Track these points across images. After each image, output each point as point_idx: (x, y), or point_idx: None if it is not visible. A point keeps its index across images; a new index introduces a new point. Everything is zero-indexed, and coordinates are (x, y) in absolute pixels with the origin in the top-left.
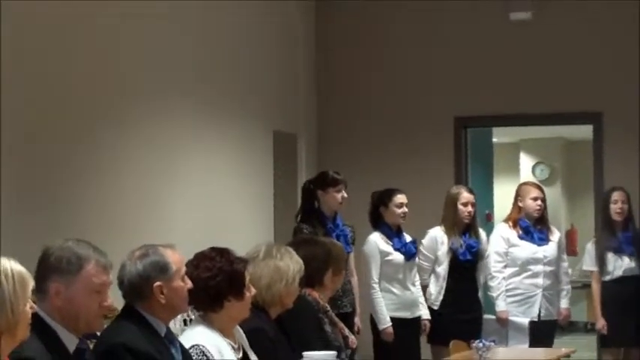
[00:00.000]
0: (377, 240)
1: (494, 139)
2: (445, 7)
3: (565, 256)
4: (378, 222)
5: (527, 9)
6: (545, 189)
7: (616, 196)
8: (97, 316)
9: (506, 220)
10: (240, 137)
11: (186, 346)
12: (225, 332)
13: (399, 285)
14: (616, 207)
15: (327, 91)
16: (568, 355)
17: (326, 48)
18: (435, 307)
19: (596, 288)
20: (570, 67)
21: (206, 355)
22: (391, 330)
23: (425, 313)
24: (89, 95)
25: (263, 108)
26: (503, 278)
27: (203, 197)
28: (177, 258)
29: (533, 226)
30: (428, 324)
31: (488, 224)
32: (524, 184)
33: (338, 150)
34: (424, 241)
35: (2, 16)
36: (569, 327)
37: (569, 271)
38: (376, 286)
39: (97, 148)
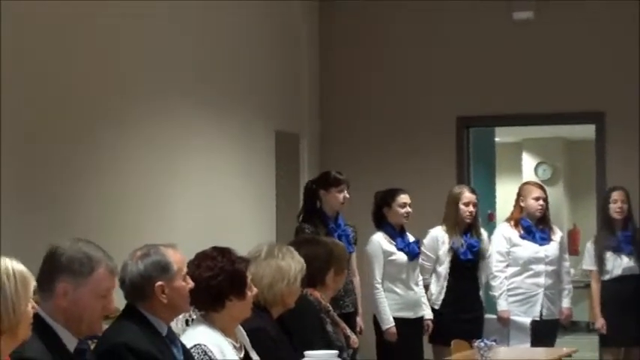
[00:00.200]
0: (380, 240)
1: (497, 139)
2: (447, 7)
3: (567, 256)
4: (381, 222)
5: (529, 9)
6: (547, 189)
7: (615, 195)
8: (100, 319)
9: (508, 220)
10: (242, 137)
11: (188, 345)
12: (227, 332)
13: (402, 285)
14: (615, 206)
15: (329, 91)
16: (570, 355)
17: (328, 48)
18: (437, 307)
19: (595, 287)
20: (573, 67)
21: (208, 355)
22: (394, 330)
23: (428, 313)
24: (89, 95)
25: (265, 108)
26: (505, 278)
27: (204, 197)
28: (178, 258)
29: (535, 226)
30: (430, 324)
31: (491, 224)
32: (526, 183)
33: (340, 150)
34: (425, 241)
35: (2, 16)
36: (571, 327)
37: (572, 270)
38: (379, 286)
39: (97, 148)
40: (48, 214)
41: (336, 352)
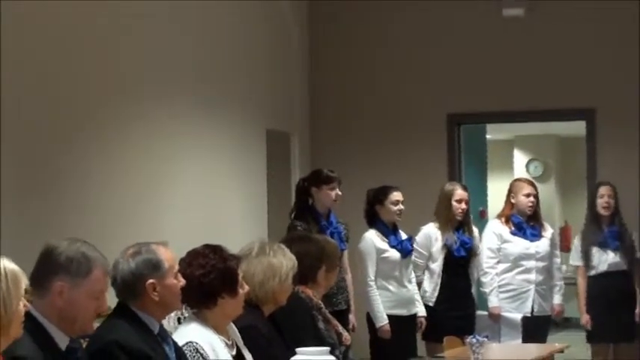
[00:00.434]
0: (373, 237)
1: (488, 136)
2: (437, 4)
3: (558, 252)
4: (373, 219)
5: (519, 5)
6: (539, 186)
7: (603, 190)
8: (92, 320)
9: (498, 216)
10: (233, 135)
11: (180, 343)
12: (219, 329)
13: (396, 282)
14: (602, 201)
15: (320, 89)
16: (562, 351)
17: (319, 46)
18: (431, 304)
19: (581, 283)
20: (563, 64)
21: (200, 353)
22: (388, 327)
23: (421, 311)
24: (89, 95)
25: (256, 106)
26: (496, 274)
27: (196, 195)
28: (169, 255)
29: (525, 222)
30: (424, 321)
31: (482, 221)
32: (517, 180)
33: (331, 148)
34: (418, 238)
35: (2, 16)
36: (563, 323)
37: (563, 267)
38: (373, 283)
39: (96, 148)
40: (48, 214)
41: (327, 348)
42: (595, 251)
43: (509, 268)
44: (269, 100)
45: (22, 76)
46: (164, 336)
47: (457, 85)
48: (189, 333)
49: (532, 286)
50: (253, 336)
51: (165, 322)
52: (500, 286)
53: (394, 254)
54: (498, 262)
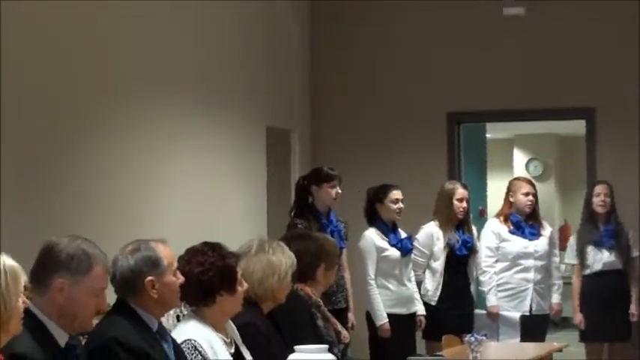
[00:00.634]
0: (373, 236)
1: (488, 135)
2: (438, 4)
3: (557, 251)
4: (373, 218)
5: (520, 5)
6: (538, 185)
7: (599, 189)
8: (92, 317)
9: (497, 215)
10: (233, 133)
11: (179, 340)
12: (218, 327)
13: (395, 281)
14: (598, 199)
15: (320, 87)
16: (560, 350)
17: (320, 46)
18: (433, 303)
19: (576, 282)
20: (563, 63)
21: (198, 350)
22: (388, 326)
23: (420, 309)
24: (89, 95)
25: (256, 104)
26: (495, 273)
27: (196, 193)
28: (168, 253)
29: (524, 221)
30: (423, 320)
31: (482, 220)
32: (516, 179)
33: (331, 146)
34: (419, 237)
35: (2, 16)
36: (562, 322)
37: (562, 266)
38: (372, 282)
39: (96, 147)
40: (48, 213)
41: (326, 346)
42: (590, 250)
43: (507, 267)
44: (269, 98)
45: (22, 76)
46: (163, 333)
47: (457, 83)
48: (187, 330)
49: (530, 285)
50: (252, 333)
51: (164, 320)
52: (498, 285)
53: (394, 253)
54: (497, 261)
